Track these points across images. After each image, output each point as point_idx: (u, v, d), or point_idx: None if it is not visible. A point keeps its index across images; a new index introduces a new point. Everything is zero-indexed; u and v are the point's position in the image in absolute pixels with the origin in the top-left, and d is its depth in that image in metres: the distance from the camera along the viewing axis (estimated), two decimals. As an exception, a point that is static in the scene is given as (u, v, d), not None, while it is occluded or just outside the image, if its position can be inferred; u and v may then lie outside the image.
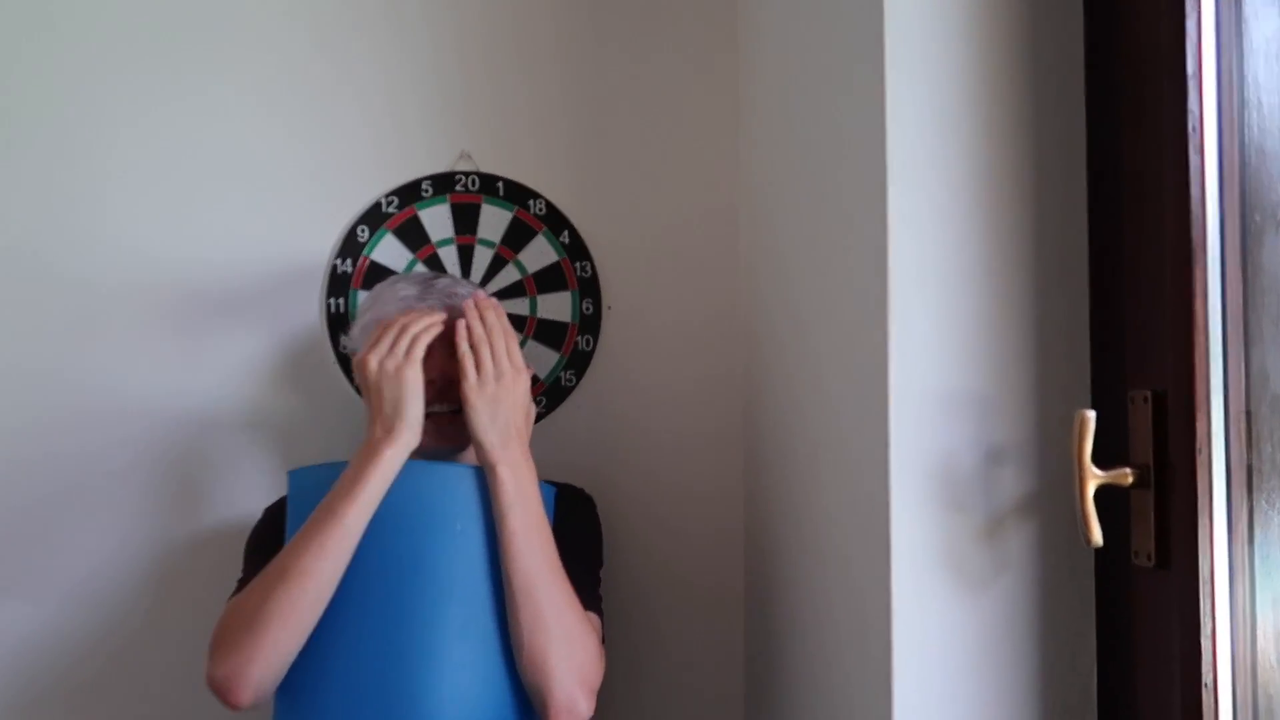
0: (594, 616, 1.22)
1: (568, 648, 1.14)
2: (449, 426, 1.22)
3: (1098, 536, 0.90)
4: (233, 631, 1.12)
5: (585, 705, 1.15)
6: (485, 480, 1.18)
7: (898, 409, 0.98)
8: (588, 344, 1.57)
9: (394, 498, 1.15)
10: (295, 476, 1.23)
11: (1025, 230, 1.00)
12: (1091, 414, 0.90)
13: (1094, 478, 0.91)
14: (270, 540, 1.24)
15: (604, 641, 1.22)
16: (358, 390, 1.48)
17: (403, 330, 1.18)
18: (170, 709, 1.49)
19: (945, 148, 0.98)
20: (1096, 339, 1.00)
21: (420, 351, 1.17)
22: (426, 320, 1.19)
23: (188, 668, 1.44)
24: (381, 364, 1.17)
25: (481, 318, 1.21)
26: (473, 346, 1.19)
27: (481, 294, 1.24)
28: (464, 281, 1.33)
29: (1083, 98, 1.01)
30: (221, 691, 1.11)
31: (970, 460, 0.99)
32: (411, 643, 1.12)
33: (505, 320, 1.23)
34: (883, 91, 0.97)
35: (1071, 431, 0.91)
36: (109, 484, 1.50)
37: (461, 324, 1.20)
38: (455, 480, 1.18)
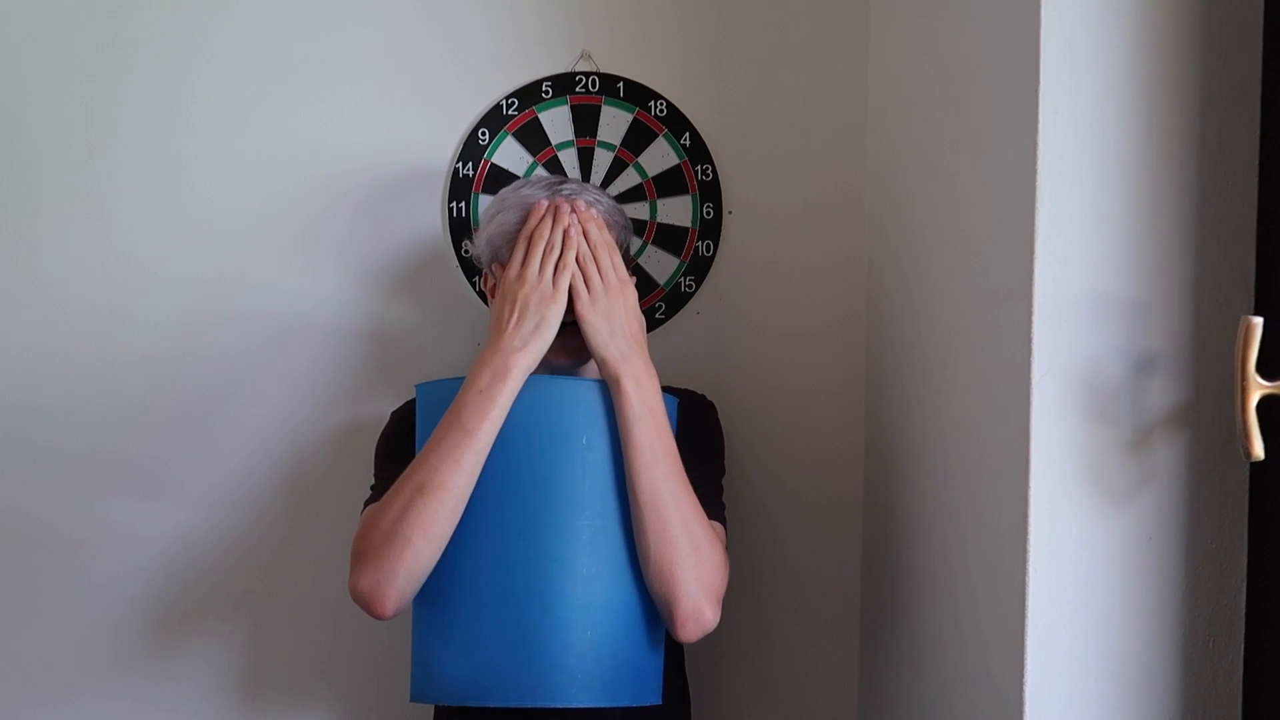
0: (717, 525, 1.22)
1: (694, 558, 1.14)
2: (572, 339, 1.22)
3: (1259, 450, 0.85)
4: (374, 544, 1.14)
5: (711, 614, 1.16)
6: (609, 393, 1.18)
7: (1043, 313, 0.93)
8: (708, 249, 1.54)
9: (521, 412, 1.16)
10: (424, 390, 1.24)
11: (1188, 119, 0.93)
12: (1258, 320, 0.84)
13: (1258, 388, 0.85)
14: (399, 447, 1.27)
15: (727, 549, 1.22)
16: (480, 295, 1.49)
17: (549, 250, 1.19)
18: (305, 605, 1.56)
19: (1105, 30, 0.91)
20: (1263, 239, 0.93)
21: (566, 282, 1.18)
22: (567, 235, 1.20)
23: (321, 569, 1.52)
24: (537, 287, 1.18)
25: (584, 232, 1.20)
26: (579, 264, 1.19)
27: (580, 204, 1.23)
28: (590, 187, 1.31)
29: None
30: (366, 603, 1.14)
31: (1119, 368, 0.94)
32: (543, 554, 1.14)
33: (607, 233, 1.23)
34: (1040, -30, 0.91)
35: (1235, 339, 0.85)
36: (245, 383, 1.54)
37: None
38: (581, 394, 1.18)
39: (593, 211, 1.23)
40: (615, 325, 1.18)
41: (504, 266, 1.22)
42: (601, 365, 1.18)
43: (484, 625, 1.14)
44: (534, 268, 1.19)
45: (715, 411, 1.38)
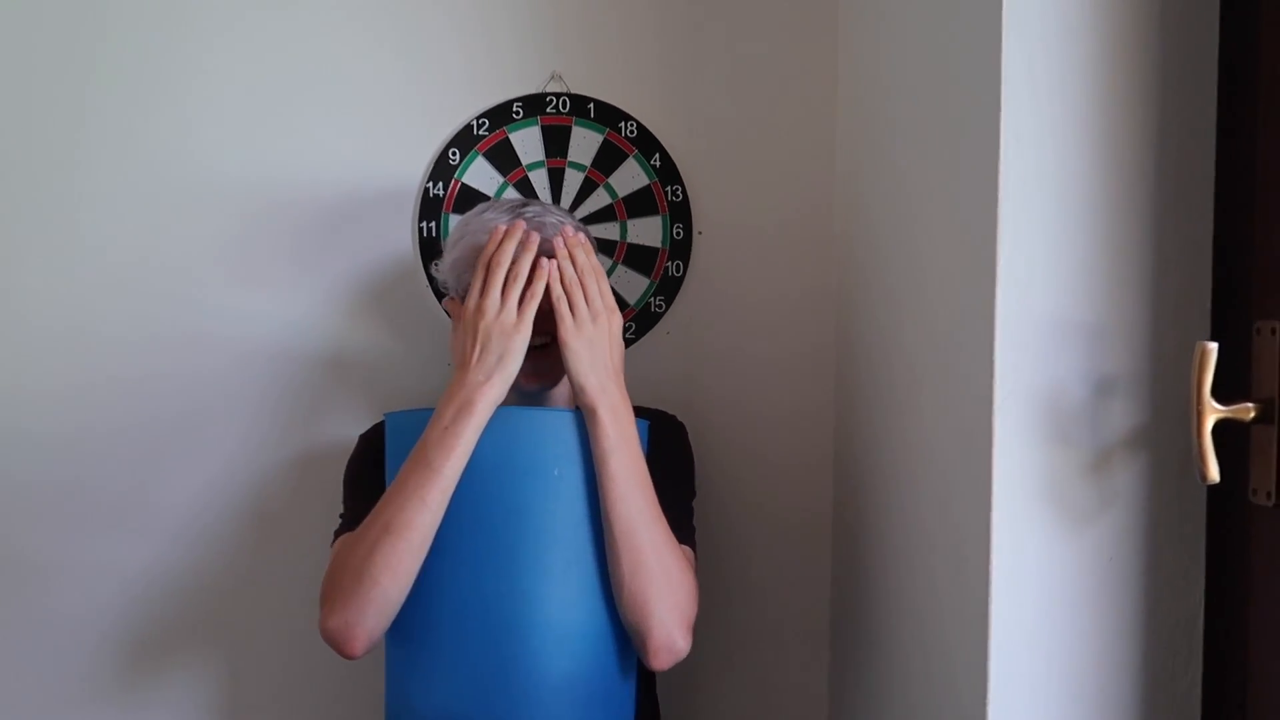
0: (687, 549, 1.22)
1: (667, 588, 1.14)
2: (542, 361, 1.21)
3: (1214, 473, 0.86)
4: (342, 585, 1.13)
5: (683, 643, 1.16)
6: (580, 424, 1.17)
7: (1004, 337, 0.94)
8: (678, 269, 1.55)
9: (491, 444, 1.15)
10: (393, 420, 1.23)
11: (1146, 146, 0.94)
12: (1213, 346, 0.86)
13: (1213, 412, 0.86)
14: (368, 475, 1.26)
15: (696, 572, 1.22)
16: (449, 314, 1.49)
17: (513, 279, 1.16)
18: (274, 632, 1.55)
19: (1064, 58, 0.93)
20: (1220, 265, 0.95)
21: (533, 312, 1.16)
22: (536, 270, 1.17)
23: (290, 595, 1.51)
24: (498, 317, 1.15)
25: (571, 257, 1.19)
26: (565, 288, 1.17)
27: (569, 230, 1.21)
28: (554, 209, 1.30)
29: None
30: (336, 643, 1.14)
31: (1079, 392, 0.95)
32: (515, 586, 1.14)
33: (594, 259, 1.21)
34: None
35: (1190, 363, 0.87)
36: (212, 407, 1.53)
37: (553, 265, 1.18)
38: (552, 425, 1.18)
39: (580, 237, 1.21)
40: (597, 354, 1.17)
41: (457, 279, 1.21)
42: (579, 393, 1.16)
43: (457, 658, 1.14)
44: (493, 298, 1.16)
45: (685, 433, 1.38)
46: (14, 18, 1.50)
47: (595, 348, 1.17)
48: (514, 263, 1.17)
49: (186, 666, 1.55)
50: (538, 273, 1.17)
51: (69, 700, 1.53)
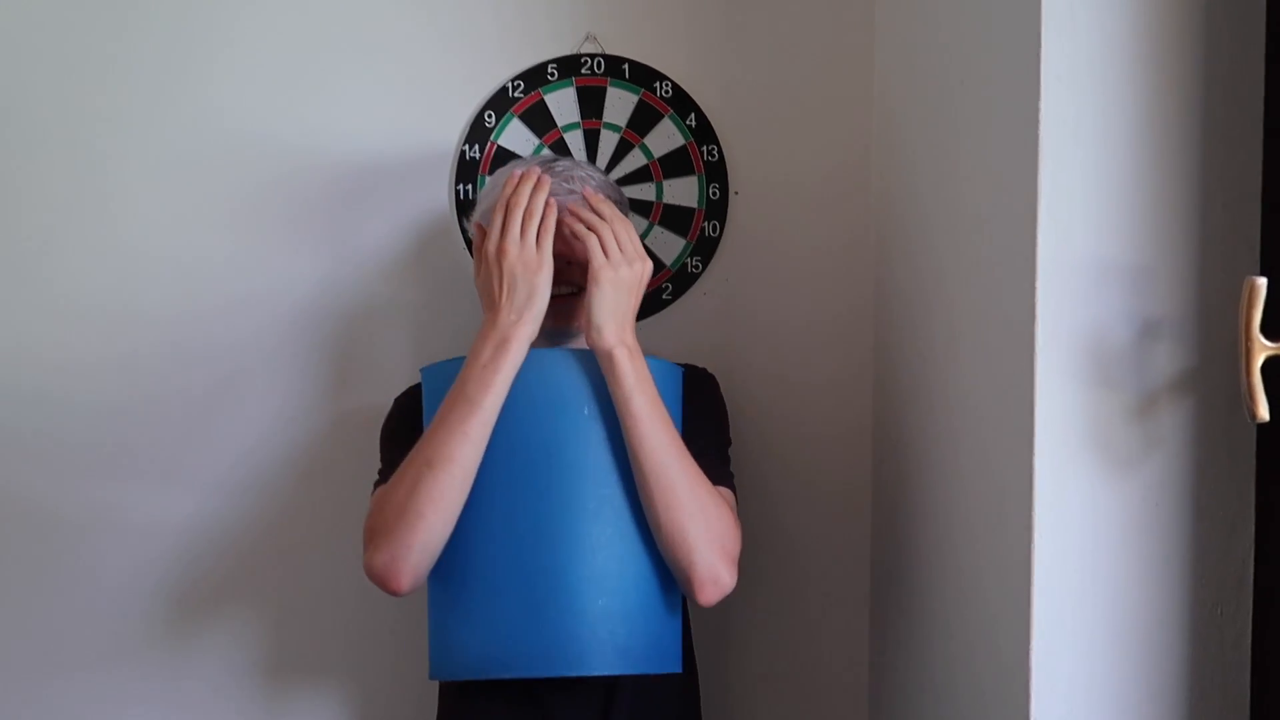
0: (727, 491, 1.22)
1: (704, 521, 1.14)
2: (566, 307, 1.23)
3: (1264, 411, 0.84)
4: (387, 521, 1.15)
5: (728, 576, 1.16)
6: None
7: (1046, 279, 0.92)
8: (714, 230, 1.54)
9: (522, 384, 1.16)
10: (429, 373, 1.25)
11: (1191, 80, 0.92)
12: (1262, 280, 0.84)
13: (1263, 349, 0.84)
14: (404, 431, 1.27)
15: (738, 514, 1.22)
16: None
17: (529, 215, 1.18)
18: (314, 585, 1.58)
19: (1106, -7, 0.91)
20: (1268, 200, 0.93)
21: (550, 241, 1.17)
22: (549, 202, 1.19)
23: (329, 547, 1.54)
24: (520, 255, 1.16)
25: (595, 209, 1.20)
26: (591, 228, 1.18)
27: (590, 190, 1.23)
28: (583, 164, 1.31)
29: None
30: (381, 579, 1.15)
31: (1123, 334, 0.93)
32: (550, 524, 1.15)
33: (619, 213, 1.23)
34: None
35: (1239, 300, 0.85)
36: (253, 368, 1.56)
37: (576, 206, 1.20)
38: (580, 364, 1.19)
39: (600, 196, 1.23)
40: (620, 298, 1.17)
41: (484, 230, 1.22)
42: (596, 333, 1.16)
43: (497, 598, 1.15)
44: (514, 234, 1.17)
45: (717, 384, 1.38)
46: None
47: (621, 291, 1.18)
48: (529, 203, 1.18)
49: (231, 619, 1.58)
50: (549, 211, 1.18)
51: (117, 653, 1.57)
